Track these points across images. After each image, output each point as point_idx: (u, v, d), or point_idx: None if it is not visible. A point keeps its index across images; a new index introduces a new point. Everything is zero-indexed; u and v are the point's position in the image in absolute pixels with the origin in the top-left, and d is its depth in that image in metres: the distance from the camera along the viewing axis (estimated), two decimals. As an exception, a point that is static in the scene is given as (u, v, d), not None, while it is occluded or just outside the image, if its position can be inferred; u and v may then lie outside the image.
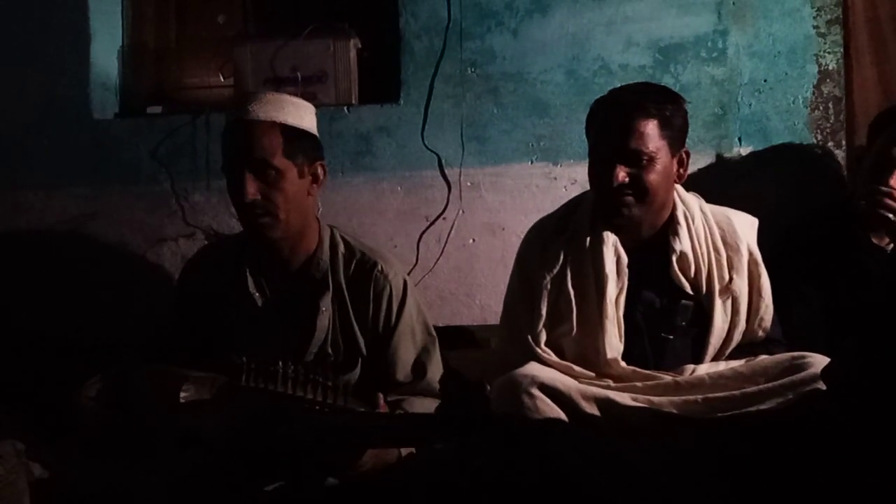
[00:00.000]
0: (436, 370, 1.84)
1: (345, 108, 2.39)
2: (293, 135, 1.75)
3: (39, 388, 2.09)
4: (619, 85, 1.88)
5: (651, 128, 1.71)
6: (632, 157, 1.71)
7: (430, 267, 2.36)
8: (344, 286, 1.82)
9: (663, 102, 1.74)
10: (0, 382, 2.14)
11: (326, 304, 1.79)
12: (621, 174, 1.70)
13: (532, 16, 2.34)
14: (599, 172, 1.75)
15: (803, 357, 1.65)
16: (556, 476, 1.56)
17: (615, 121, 1.73)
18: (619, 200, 1.73)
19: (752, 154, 2.30)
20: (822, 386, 1.56)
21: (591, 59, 2.32)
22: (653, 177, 1.72)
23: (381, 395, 1.62)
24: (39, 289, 2.42)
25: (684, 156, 1.80)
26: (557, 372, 1.71)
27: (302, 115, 1.79)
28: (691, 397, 1.62)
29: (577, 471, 1.57)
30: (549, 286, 1.80)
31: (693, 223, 1.81)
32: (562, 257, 1.81)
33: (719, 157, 2.31)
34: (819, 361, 1.61)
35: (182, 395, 1.57)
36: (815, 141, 2.29)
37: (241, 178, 1.71)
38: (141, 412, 1.61)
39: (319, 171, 1.82)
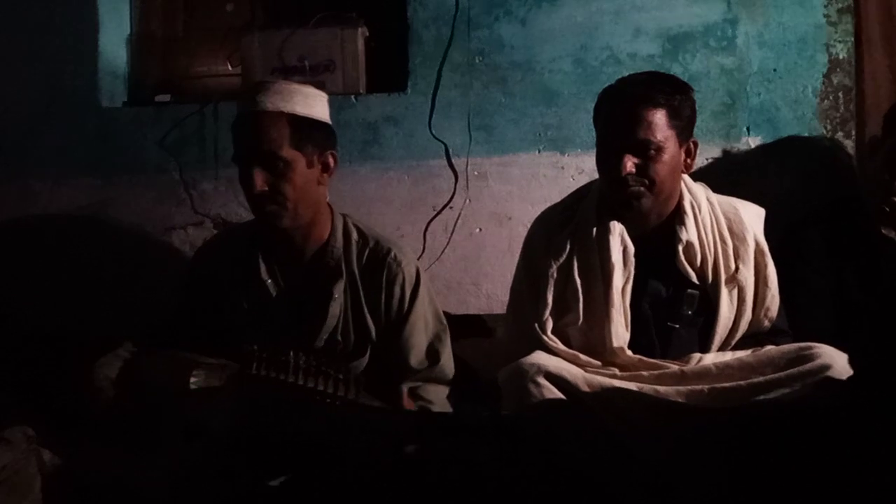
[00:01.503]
0: (448, 358, 1.85)
1: (352, 97, 2.38)
2: (302, 124, 1.75)
3: (47, 378, 2.10)
4: (627, 74, 1.87)
5: (659, 117, 1.70)
6: (640, 147, 1.70)
7: (436, 256, 2.36)
8: (357, 274, 1.83)
9: (671, 92, 1.73)
10: (8, 371, 2.15)
11: (339, 292, 1.80)
12: (629, 164, 1.70)
13: (540, 5, 2.33)
14: (608, 162, 1.74)
15: (810, 348, 1.64)
16: (561, 466, 1.56)
17: (623, 111, 1.73)
18: (627, 191, 1.72)
19: (760, 144, 2.29)
20: (829, 375, 1.56)
21: (599, 48, 2.31)
22: (661, 167, 1.71)
23: (404, 391, 1.63)
24: (47, 278, 2.43)
25: (692, 146, 1.79)
26: (563, 361, 1.71)
27: (311, 103, 1.79)
28: (697, 387, 1.62)
29: (582, 460, 1.58)
30: (555, 274, 1.80)
31: (700, 213, 1.80)
32: (568, 247, 1.81)
33: (728, 147, 2.29)
34: (826, 352, 1.61)
35: (192, 381, 1.57)
36: (824, 131, 2.27)
37: (249, 171, 1.72)
38: (150, 397, 1.62)
39: (330, 159, 1.82)
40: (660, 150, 1.70)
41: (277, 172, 1.73)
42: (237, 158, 1.77)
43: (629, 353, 1.73)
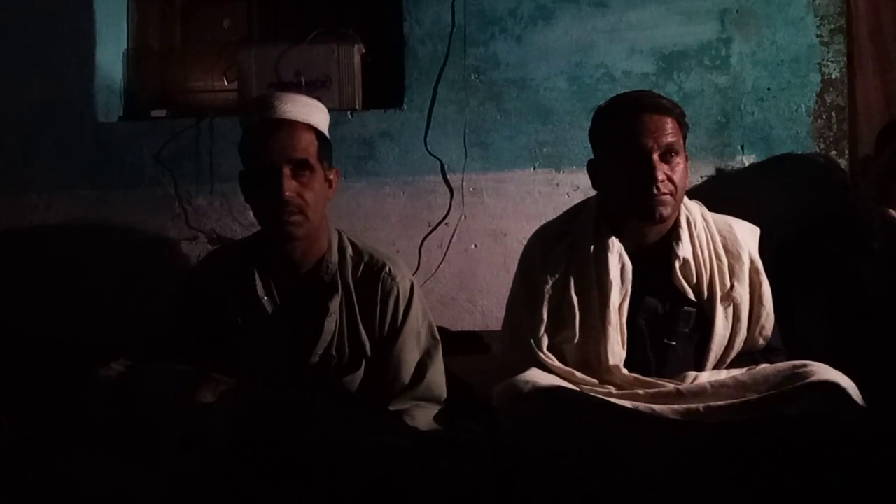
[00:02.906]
0: (437, 374, 1.85)
1: (348, 112, 2.39)
2: (323, 138, 1.79)
3: (41, 389, 2.09)
4: (622, 92, 1.88)
5: (674, 126, 1.72)
6: (667, 152, 1.70)
7: (431, 272, 2.36)
8: (352, 288, 1.83)
9: (675, 104, 1.76)
10: (1, 383, 2.14)
11: (335, 307, 1.80)
12: (664, 169, 1.68)
13: (536, 22, 2.35)
14: (633, 170, 1.70)
15: (805, 366, 1.64)
16: (556, 484, 1.56)
17: (646, 118, 1.70)
18: (658, 197, 1.69)
19: (754, 163, 2.30)
20: (822, 394, 1.56)
21: (594, 66, 2.33)
22: (682, 173, 1.72)
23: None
24: (42, 290, 2.42)
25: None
26: (559, 378, 1.71)
27: (324, 119, 1.83)
28: (693, 406, 1.61)
29: (577, 478, 1.57)
30: (550, 291, 1.79)
31: (695, 230, 1.80)
32: (564, 262, 1.81)
33: (722, 165, 2.31)
34: (820, 370, 1.61)
35: (187, 396, 1.57)
36: (817, 150, 2.29)
37: (279, 175, 1.70)
38: (147, 409, 1.61)
39: (334, 176, 1.85)
40: (678, 154, 1.71)
41: (304, 181, 1.73)
42: (262, 164, 1.73)
43: (625, 371, 1.73)
